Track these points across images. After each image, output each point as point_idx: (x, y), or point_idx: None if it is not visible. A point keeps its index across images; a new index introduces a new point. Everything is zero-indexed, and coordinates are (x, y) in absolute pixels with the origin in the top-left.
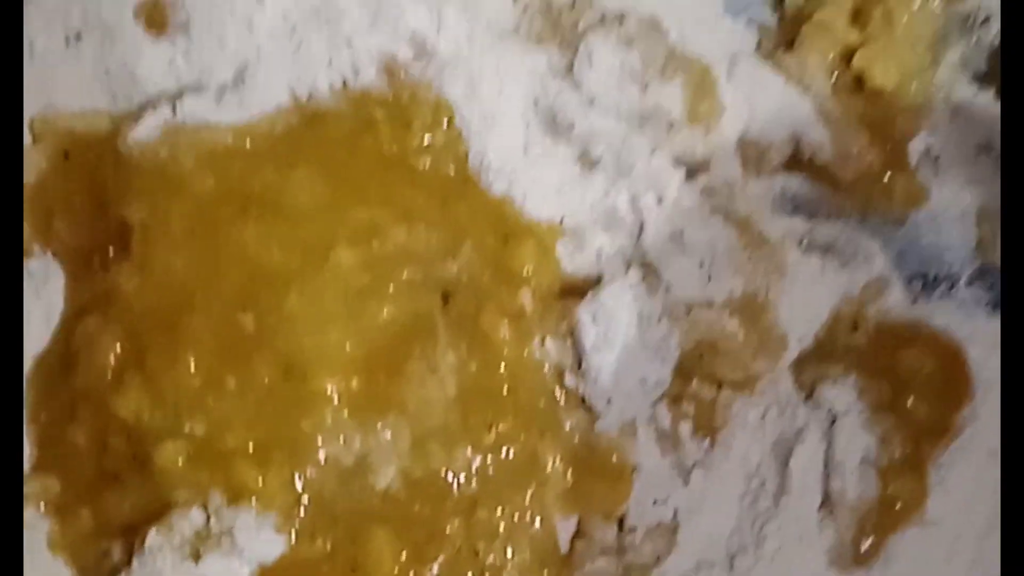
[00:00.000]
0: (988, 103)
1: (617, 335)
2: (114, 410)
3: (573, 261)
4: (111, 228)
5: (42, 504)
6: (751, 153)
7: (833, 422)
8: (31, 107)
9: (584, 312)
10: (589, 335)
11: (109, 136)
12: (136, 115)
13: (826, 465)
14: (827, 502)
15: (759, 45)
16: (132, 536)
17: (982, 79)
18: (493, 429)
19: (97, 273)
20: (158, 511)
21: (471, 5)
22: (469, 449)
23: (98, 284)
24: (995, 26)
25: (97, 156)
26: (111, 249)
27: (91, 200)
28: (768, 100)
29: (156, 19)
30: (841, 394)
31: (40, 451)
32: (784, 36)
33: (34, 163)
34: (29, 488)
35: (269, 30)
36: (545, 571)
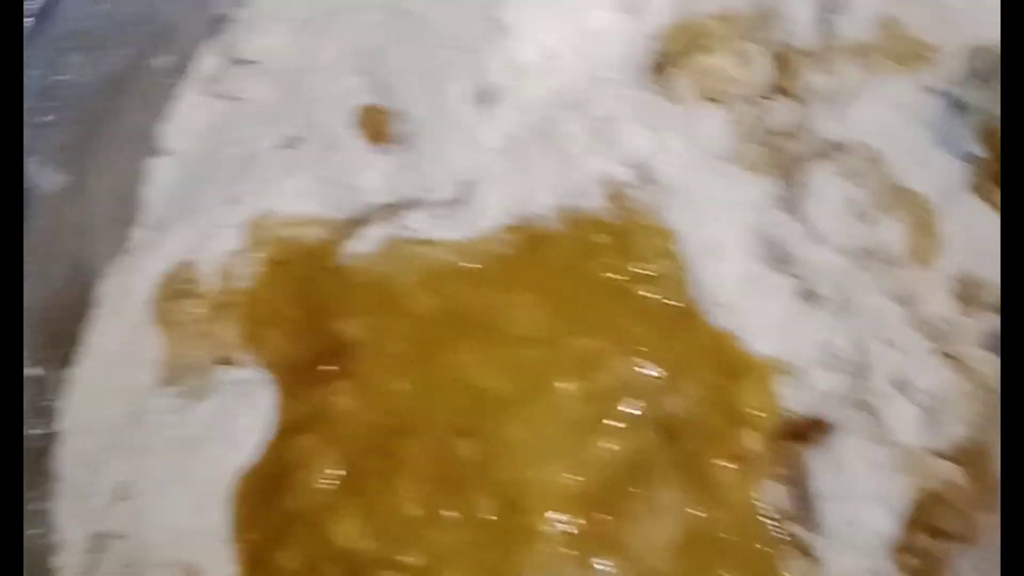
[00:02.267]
0: None
1: (851, 485)
2: (329, 535)
3: (796, 401)
4: (326, 342)
5: None
6: (967, 293)
7: None
8: (249, 210)
9: (815, 458)
10: (822, 483)
11: (325, 246)
12: (354, 226)
13: None
14: None
15: (973, 181)
16: None
17: None
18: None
19: (312, 389)
20: None
21: (692, 131)
22: None
23: (314, 401)
24: None
25: (314, 267)
26: (326, 365)
27: (306, 312)
28: (983, 236)
29: (377, 129)
30: None
31: (246, 573)
32: (993, 169)
33: (250, 269)
34: None
35: (495, 147)
36: None
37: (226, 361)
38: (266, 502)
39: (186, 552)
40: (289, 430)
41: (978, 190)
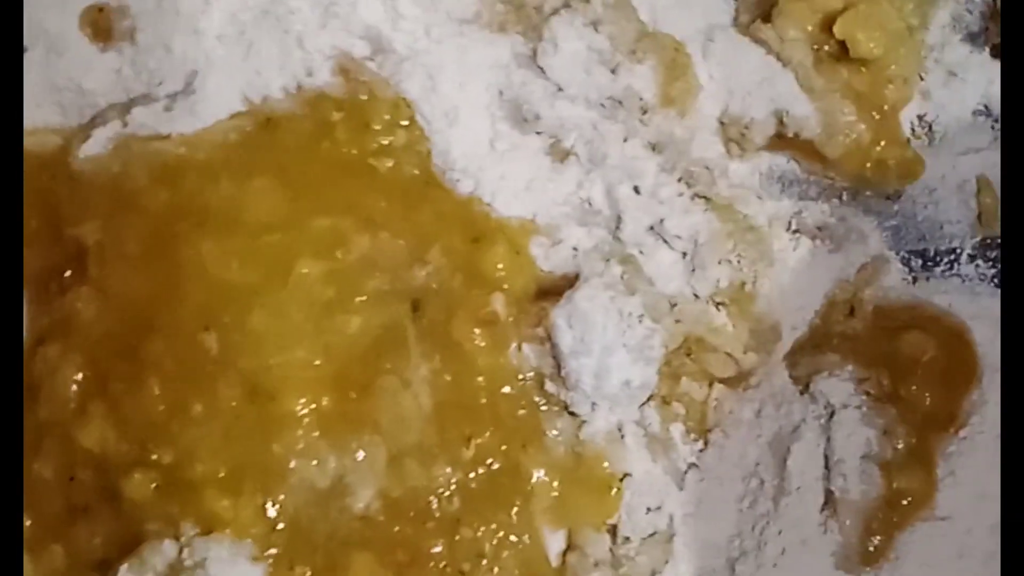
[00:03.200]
0: (984, 63)
1: (594, 337)
2: (79, 441)
3: (549, 260)
4: (67, 250)
5: None
6: (732, 133)
7: (832, 416)
8: None
9: (558, 315)
10: (566, 339)
11: (61, 153)
12: (86, 130)
13: (826, 462)
14: (830, 501)
15: (735, 18)
16: (106, 571)
17: (975, 38)
18: (472, 443)
19: (55, 298)
20: (130, 544)
21: None
22: (448, 465)
23: (56, 310)
24: None
25: (50, 175)
26: (68, 272)
27: (46, 221)
28: (747, 75)
29: (102, 28)
30: (839, 386)
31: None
32: (761, 6)
33: None
34: None
35: (217, 34)
36: None
37: None
38: None
39: None
40: (35, 341)
41: (741, 26)
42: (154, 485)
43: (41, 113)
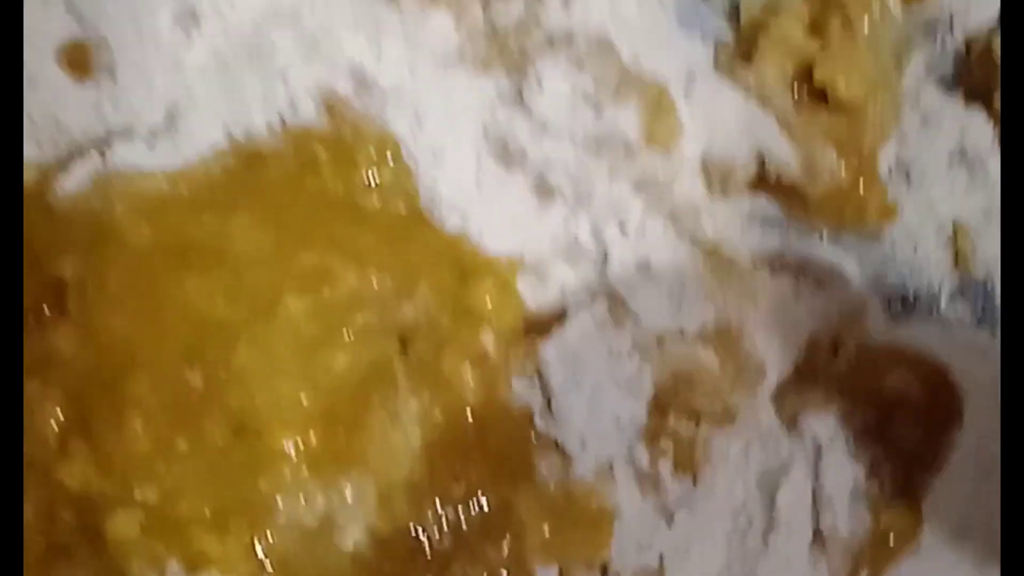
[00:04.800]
0: (957, 108)
1: (585, 373)
2: (60, 480)
3: (536, 297)
4: (46, 285)
5: None
6: (715, 174)
7: (819, 453)
8: None
9: (549, 351)
10: (557, 375)
11: (37, 187)
12: (64, 164)
13: (814, 499)
14: (818, 537)
15: (716, 60)
16: None
17: (949, 84)
18: (463, 480)
19: (34, 334)
20: None
21: (412, 33)
22: (439, 502)
23: (35, 346)
24: (959, 30)
25: (27, 208)
26: (47, 308)
27: (24, 256)
28: (729, 117)
29: (79, 62)
30: (824, 423)
31: None
32: (741, 49)
33: None
34: None
35: (199, 68)
36: None
37: None
38: None
39: None
40: None
41: (723, 68)
42: (139, 524)
43: None
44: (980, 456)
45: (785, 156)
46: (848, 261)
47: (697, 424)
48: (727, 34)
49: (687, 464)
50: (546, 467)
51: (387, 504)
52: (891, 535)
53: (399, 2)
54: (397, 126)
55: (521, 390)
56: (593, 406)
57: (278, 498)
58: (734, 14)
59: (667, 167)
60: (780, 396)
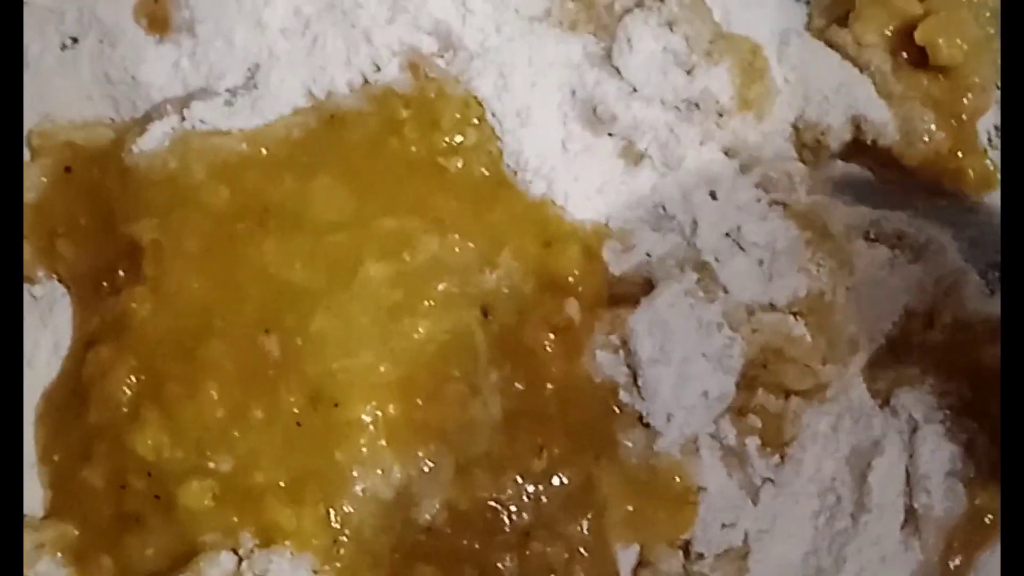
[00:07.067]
0: None
1: (675, 345)
2: (132, 447)
3: (620, 265)
4: (120, 248)
5: (59, 553)
6: (808, 139)
7: (914, 431)
8: (28, 120)
9: (638, 322)
10: (645, 347)
11: (113, 147)
12: (141, 124)
13: (908, 479)
14: (911, 519)
15: (810, 20)
16: None
17: None
18: (544, 454)
19: (107, 298)
20: (185, 556)
21: None
22: (518, 476)
23: (108, 310)
24: None
25: (101, 170)
26: (121, 271)
27: (97, 218)
28: (823, 80)
29: (158, 19)
30: (920, 400)
31: (54, 494)
32: (836, 10)
33: (34, 180)
34: (44, 535)
35: (281, 27)
36: None
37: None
38: (68, 420)
39: None
40: (86, 343)
41: (815, 30)
42: (211, 494)
43: (92, 106)
44: None
45: (882, 121)
46: (944, 231)
47: (786, 399)
48: None
49: (775, 441)
50: (630, 442)
51: (465, 477)
52: (986, 517)
53: None
54: (482, 87)
55: (605, 361)
56: (681, 380)
57: (354, 469)
58: None
59: (759, 131)
60: (873, 371)
